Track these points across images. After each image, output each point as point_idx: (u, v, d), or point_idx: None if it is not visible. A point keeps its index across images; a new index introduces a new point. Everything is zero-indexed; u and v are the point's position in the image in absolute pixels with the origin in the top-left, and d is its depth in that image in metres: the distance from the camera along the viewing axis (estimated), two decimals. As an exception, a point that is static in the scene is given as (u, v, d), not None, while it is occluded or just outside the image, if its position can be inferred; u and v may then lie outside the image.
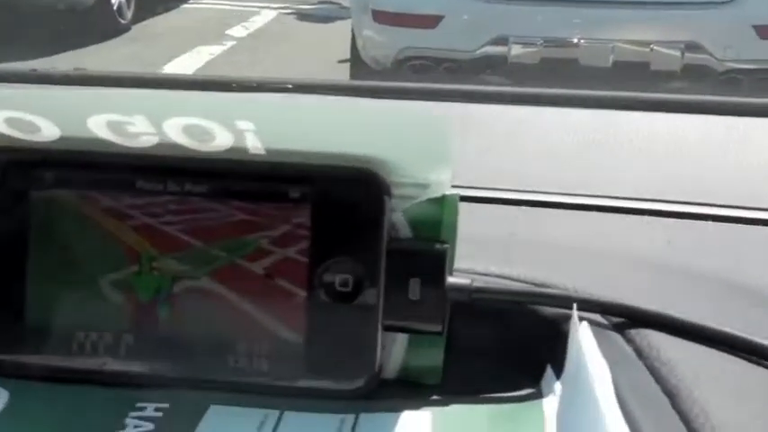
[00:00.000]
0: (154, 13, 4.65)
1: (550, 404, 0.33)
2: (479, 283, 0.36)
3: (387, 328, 0.36)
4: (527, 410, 0.33)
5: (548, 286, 0.37)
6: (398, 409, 0.34)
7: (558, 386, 0.33)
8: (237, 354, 0.35)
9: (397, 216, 0.36)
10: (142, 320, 0.36)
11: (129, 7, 4.36)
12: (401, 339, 0.37)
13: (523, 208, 0.48)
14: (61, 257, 0.36)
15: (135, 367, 0.35)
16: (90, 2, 4.07)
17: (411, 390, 0.36)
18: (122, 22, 4.30)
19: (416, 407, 0.34)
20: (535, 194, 0.49)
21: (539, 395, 0.34)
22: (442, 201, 0.36)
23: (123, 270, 0.36)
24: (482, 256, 0.39)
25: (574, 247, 0.43)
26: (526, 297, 0.37)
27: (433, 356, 0.37)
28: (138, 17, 4.45)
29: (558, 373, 0.34)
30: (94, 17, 4.10)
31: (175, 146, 0.35)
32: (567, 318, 0.35)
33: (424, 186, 0.36)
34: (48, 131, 0.35)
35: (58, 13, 3.98)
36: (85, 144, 0.36)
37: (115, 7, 4.22)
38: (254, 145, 0.35)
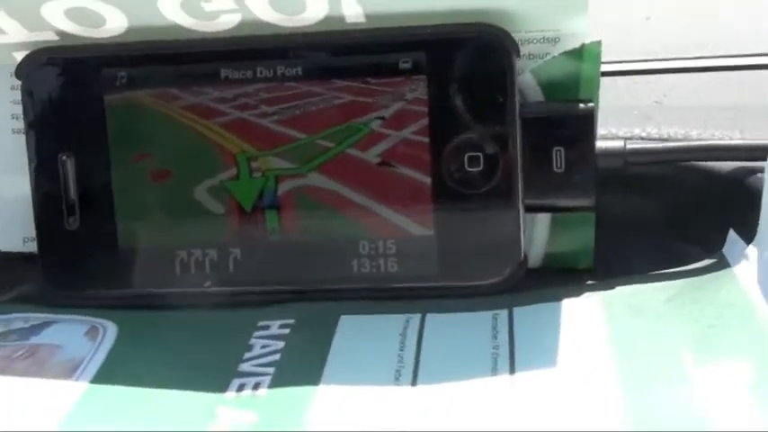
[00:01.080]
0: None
1: (744, 271, 0.28)
2: (632, 144, 0.31)
3: (529, 209, 0.31)
4: (715, 283, 0.28)
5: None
6: (557, 298, 0.29)
7: (751, 250, 0.28)
8: (361, 256, 0.31)
9: (526, 78, 0.31)
10: (248, 230, 0.31)
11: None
12: (542, 221, 0.32)
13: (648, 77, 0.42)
14: (146, 168, 0.31)
15: (247, 284, 0.31)
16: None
17: (562, 277, 0.31)
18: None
19: (577, 293, 0.29)
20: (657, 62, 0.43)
21: (724, 264, 0.29)
22: (580, 53, 0.30)
23: (219, 175, 0.31)
24: (617, 124, 0.34)
25: (721, 106, 0.37)
26: (700, 153, 0.31)
27: (583, 236, 0.32)
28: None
29: (746, 235, 0.28)
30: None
31: (261, 23, 0.30)
32: (748, 172, 0.30)
33: (554, 40, 0.31)
34: (114, 22, 0.31)
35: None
36: (158, 33, 0.31)
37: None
38: (353, 11, 0.30)
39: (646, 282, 0.29)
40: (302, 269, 0.31)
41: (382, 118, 0.30)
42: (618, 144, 0.31)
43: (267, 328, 0.29)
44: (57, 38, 0.32)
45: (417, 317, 0.29)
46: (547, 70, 0.31)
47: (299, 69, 0.31)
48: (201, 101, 0.31)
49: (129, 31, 0.31)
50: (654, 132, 0.33)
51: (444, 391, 0.25)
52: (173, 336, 0.29)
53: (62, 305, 0.31)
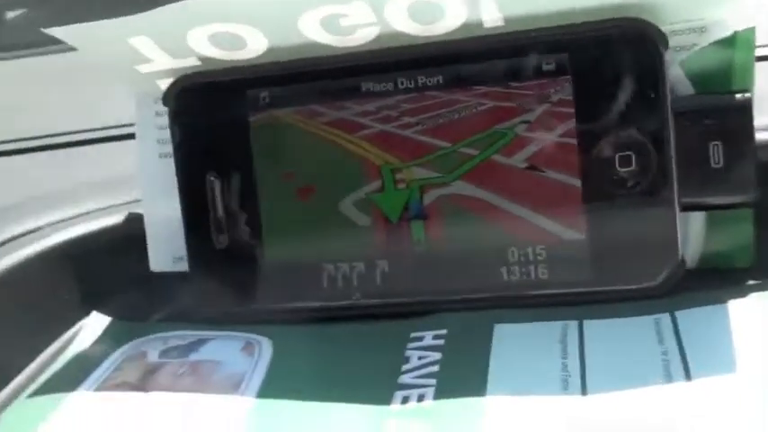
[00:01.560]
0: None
1: None
2: None
3: (685, 208, 0.29)
4: None
5: None
6: (721, 300, 0.28)
7: None
8: (510, 264, 0.30)
9: (674, 71, 0.30)
10: (395, 242, 0.31)
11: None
12: (697, 219, 0.31)
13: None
14: (291, 185, 0.32)
15: (396, 295, 0.31)
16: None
17: (720, 277, 0.30)
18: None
19: (741, 294, 0.28)
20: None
21: None
22: (732, 41, 0.29)
23: (364, 188, 0.31)
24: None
25: None
26: None
27: (742, 234, 0.30)
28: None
29: None
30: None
31: (399, 34, 0.30)
32: None
33: (701, 30, 0.29)
34: (254, 44, 0.31)
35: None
36: (296, 51, 0.31)
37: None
38: (492, 16, 0.30)
39: None
40: (450, 279, 0.31)
41: (527, 122, 0.30)
42: (779, 135, 0.29)
43: (421, 339, 0.29)
44: (198, 63, 0.33)
45: (575, 323, 0.28)
46: (696, 62, 0.30)
47: (440, 78, 0.30)
48: (344, 115, 0.31)
49: (269, 51, 0.32)
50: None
51: (619, 400, 0.24)
52: (327, 350, 0.30)
53: (215, 322, 0.32)
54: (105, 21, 0.31)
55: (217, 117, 0.32)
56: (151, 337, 0.32)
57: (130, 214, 0.35)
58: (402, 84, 0.31)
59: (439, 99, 0.31)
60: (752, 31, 0.29)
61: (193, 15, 0.31)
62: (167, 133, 0.33)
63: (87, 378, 0.29)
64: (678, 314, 0.28)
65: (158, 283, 0.34)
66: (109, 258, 0.35)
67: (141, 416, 0.27)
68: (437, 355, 0.28)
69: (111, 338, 0.32)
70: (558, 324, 0.28)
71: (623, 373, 0.25)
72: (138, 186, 0.35)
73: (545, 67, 0.30)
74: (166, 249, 0.34)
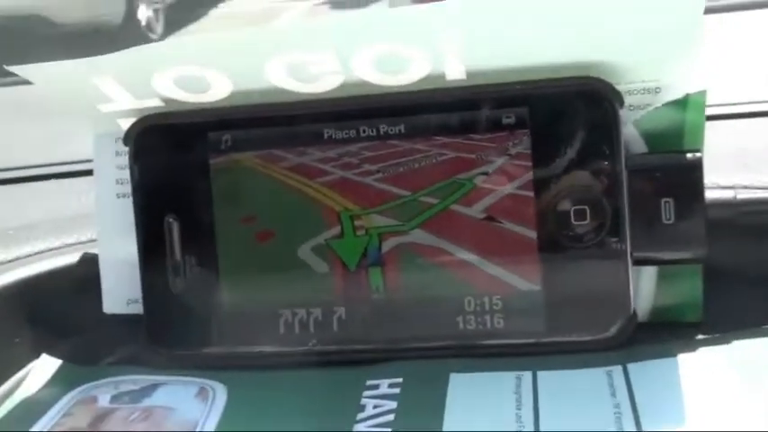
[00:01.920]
0: (185, 24, 3.94)
1: None
2: (743, 195, 0.30)
3: (637, 262, 0.30)
4: None
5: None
6: (672, 354, 0.28)
7: None
8: (466, 313, 0.30)
9: (628, 129, 0.31)
10: (353, 289, 0.31)
11: (158, 21, 3.76)
12: (649, 273, 0.31)
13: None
14: (250, 229, 0.32)
15: (351, 343, 0.31)
16: (118, 21, 3.46)
17: (670, 331, 0.30)
18: (153, 37, 3.64)
19: (692, 348, 0.28)
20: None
21: None
22: (684, 103, 0.30)
23: (323, 234, 0.31)
24: (722, 171, 0.33)
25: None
26: None
27: (691, 289, 0.31)
28: (169, 31, 3.79)
29: None
30: (123, 36, 3.36)
31: (363, 83, 0.31)
32: None
33: (655, 90, 0.30)
34: (219, 88, 0.31)
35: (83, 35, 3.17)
36: (260, 96, 0.31)
37: (143, 23, 3.63)
38: (455, 69, 0.30)
39: (763, 335, 0.29)
40: (407, 327, 0.31)
41: (486, 173, 0.30)
42: (728, 194, 0.30)
43: (376, 387, 0.29)
44: (161, 104, 0.33)
45: (529, 374, 0.29)
46: (649, 121, 0.31)
47: (402, 127, 0.31)
48: (305, 161, 0.32)
49: (233, 95, 0.32)
50: (757, 180, 0.32)
51: None
52: (282, 397, 0.29)
53: (168, 366, 0.32)
54: (68, 61, 0.31)
55: (177, 158, 0.32)
56: (102, 381, 0.31)
57: (85, 254, 0.35)
58: (364, 132, 0.31)
59: (400, 148, 0.31)
60: (703, 93, 0.30)
61: (160, 58, 0.31)
62: (126, 173, 0.33)
63: (35, 423, 0.28)
64: (630, 366, 0.28)
65: (111, 325, 0.34)
66: (61, 299, 0.34)
67: (90, 464, 0.26)
68: (392, 404, 0.28)
69: (60, 382, 0.31)
70: (511, 375, 0.29)
71: (576, 424, 0.26)
72: (94, 226, 0.34)
73: (504, 121, 0.30)
74: (120, 291, 0.34)
